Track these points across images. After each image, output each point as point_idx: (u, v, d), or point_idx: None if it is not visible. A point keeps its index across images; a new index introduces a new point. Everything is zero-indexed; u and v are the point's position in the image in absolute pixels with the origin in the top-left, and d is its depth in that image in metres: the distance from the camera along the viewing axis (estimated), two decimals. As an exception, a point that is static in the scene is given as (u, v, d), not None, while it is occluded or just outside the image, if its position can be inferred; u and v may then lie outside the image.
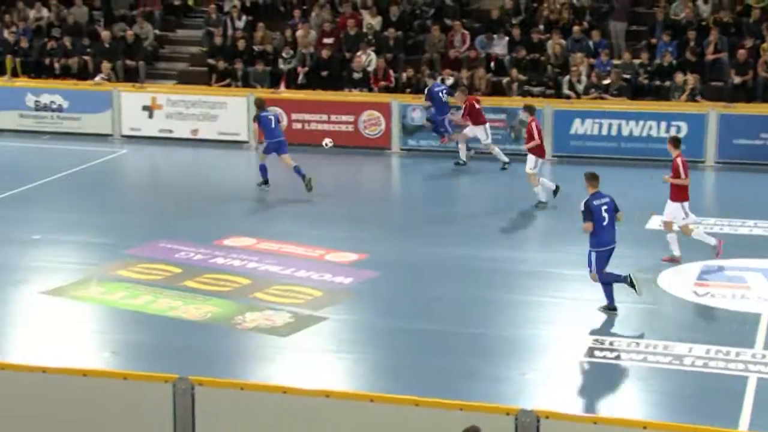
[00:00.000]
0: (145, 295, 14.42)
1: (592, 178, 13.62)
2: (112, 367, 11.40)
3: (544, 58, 24.86)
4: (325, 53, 25.68)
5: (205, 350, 12.74)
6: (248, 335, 13.24)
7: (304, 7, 27.78)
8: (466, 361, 12.29)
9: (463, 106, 21.58)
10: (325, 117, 23.77)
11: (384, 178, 22.10)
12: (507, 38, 25.51)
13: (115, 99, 24.21)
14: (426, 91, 22.59)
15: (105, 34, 26.86)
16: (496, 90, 24.51)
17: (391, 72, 25.11)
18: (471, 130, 21.71)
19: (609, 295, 13.62)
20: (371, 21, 26.64)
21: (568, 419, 8.54)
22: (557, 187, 18.74)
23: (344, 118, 23.60)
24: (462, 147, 21.95)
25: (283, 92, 24.78)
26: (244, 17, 27.41)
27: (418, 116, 23.26)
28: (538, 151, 18.80)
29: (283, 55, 26.05)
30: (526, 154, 18.94)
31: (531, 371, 12.14)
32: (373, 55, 25.44)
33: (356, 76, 25.04)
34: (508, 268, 15.10)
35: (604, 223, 13.34)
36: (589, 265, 13.50)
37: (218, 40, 26.60)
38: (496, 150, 21.61)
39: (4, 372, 9.42)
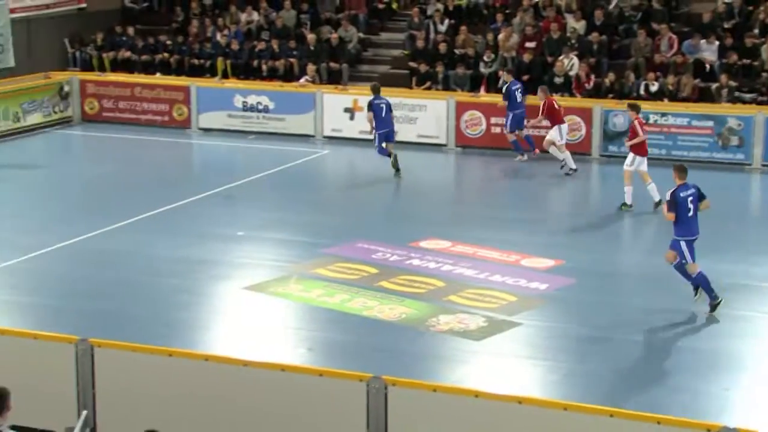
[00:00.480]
0: (342, 294, 14.64)
1: (681, 170, 14.03)
2: (309, 364, 11.61)
3: (757, 63, 23.93)
4: (526, 57, 25.50)
5: (399, 351, 12.82)
6: (441, 338, 13.25)
7: (507, 11, 27.66)
8: (662, 373, 11.94)
9: (542, 104, 21.64)
10: (525, 122, 23.52)
11: (583, 184, 21.72)
12: (717, 43, 24.69)
13: (318, 100, 24.71)
14: (504, 90, 22.64)
15: (311, 37, 27.50)
16: (704, 96, 23.76)
17: (592, 76, 24.70)
18: (553, 133, 21.65)
19: (708, 289, 13.76)
20: (575, 25, 26.27)
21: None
22: (660, 201, 17.96)
23: (544, 122, 23.31)
24: (565, 155, 21.60)
25: (483, 96, 24.72)
26: (446, 21, 27.52)
27: (620, 122, 22.78)
28: (640, 150, 18.75)
29: (485, 58, 26.00)
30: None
31: (733, 387, 11.69)
32: (575, 60, 25.09)
33: (557, 80, 24.74)
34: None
35: (689, 214, 13.74)
36: (682, 257, 13.73)
37: (420, 44, 26.80)
38: (567, 153, 21.56)
39: (208, 363, 9.74)
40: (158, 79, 26.99)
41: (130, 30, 29.40)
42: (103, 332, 11.34)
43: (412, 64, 26.42)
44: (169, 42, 28.74)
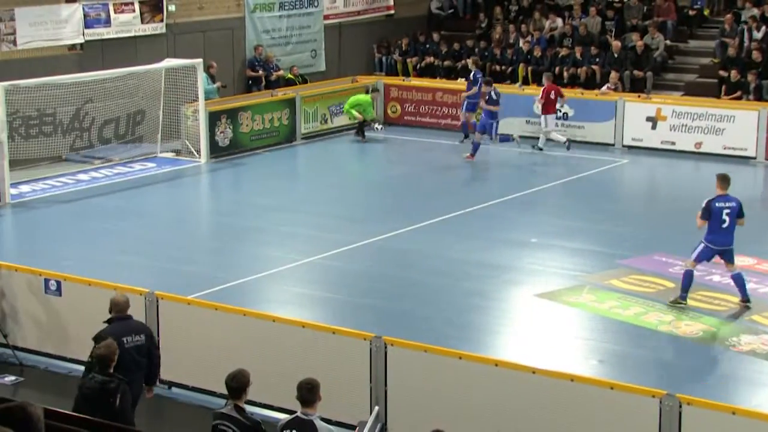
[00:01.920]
0: (636, 307, 14.24)
1: (723, 180, 14.02)
2: (599, 375, 11.35)
3: None
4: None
5: (695, 368, 12.32)
6: (742, 358, 12.62)
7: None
8: None
9: (542, 90, 23.74)
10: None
11: None
12: None
13: (620, 109, 24.21)
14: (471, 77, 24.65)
15: (615, 44, 26.99)
16: None
17: None
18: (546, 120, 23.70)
19: (684, 288, 13.93)
20: None
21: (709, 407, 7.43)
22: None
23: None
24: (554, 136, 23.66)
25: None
26: (763, 28, 26.24)
27: None
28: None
29: None
30: None
31: None
32: None
33: None
34: None
35: (724, 225, 13.79)
36: (693, 251, 13.95)
37: (732, 51, 25.71)
38: (554, 135, 23.64)
39: (498, 368, 9.72)
40: (459, 84, 27.36)
41: (435, 36, 29.98)
42: (397, 331, 11.57)
43: (722, 72, 25.38)
44: (473, 47, 29.07)
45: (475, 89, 24.41)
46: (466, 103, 24.80)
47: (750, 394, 11.78)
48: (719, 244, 13.92)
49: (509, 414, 9.49)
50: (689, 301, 14.17)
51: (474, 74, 24.75)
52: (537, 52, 27.83)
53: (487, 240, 17.30)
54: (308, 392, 8.12)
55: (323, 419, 8.32)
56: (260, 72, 26.84)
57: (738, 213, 13.91)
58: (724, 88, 25.03)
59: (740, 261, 15.82)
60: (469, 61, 25.83)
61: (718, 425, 8.57)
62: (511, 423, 9.49)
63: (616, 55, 26.80)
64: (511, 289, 15.32)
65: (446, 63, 29.08)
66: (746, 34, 26.33)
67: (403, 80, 27.97)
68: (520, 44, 28.44)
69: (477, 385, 9.71)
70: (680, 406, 8.60)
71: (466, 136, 24.74)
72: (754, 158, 22.68)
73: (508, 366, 9.78)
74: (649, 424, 8.74)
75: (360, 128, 25.33)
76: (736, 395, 11.55)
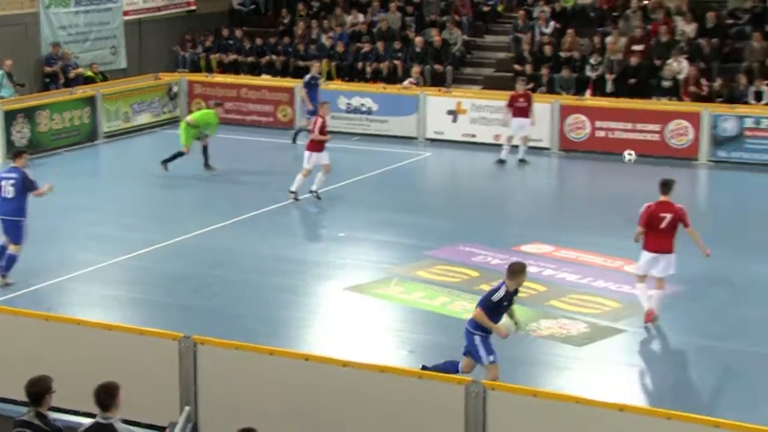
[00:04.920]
0: (442, 297, 14.60)
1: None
2: (410, 366, 11.59)
3: None
4: (633, 60, 25.13)
5: (499, 355, 12.72)
6: (542, 343, 13.13)
7: (615, 14, 27.31)
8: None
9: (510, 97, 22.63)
10: (630, 126, 23.24)
11: (690, 190, 21.31)
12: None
13: (422, 103, 24.72)
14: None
15: (418, 40, 27.51)
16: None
17: (704, 81, 24.21)
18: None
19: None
20: (685, 28, 25.80)
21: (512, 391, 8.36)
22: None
23: (650, 127, 22.98)
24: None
25: (588, 99, 24.46)
26: (552, 23, 27.28)
27: (730, 126, 22.32)
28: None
29: (591, 61, 25.71)
30: None
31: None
32: (684, 63, 24.63)
33: (665, 84, 24.33)
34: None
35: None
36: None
37: (525, 46, 26.62)
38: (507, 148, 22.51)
39: (309, 363, 9.80)
40: (264, 80, 27.33)
41: (238, 32, 29.83)
42: (207, 329, 11.51)
43: (517, 66, 26.25)
44: (276, 44, 29.07)
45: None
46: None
47: (550, 377, 12.27)
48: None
49: (320, 408, 9.59)
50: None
51: (310, 78, 24.07)
52: (340, 48, 28.08)
53: (295, 236, 17.38)
54: (106, 396, 8.09)
55: (126, 421, 8.23)
56: (57, 69, 26.07)
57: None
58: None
59: (539, 248, 16.47)
60: (314, 65, 25.19)
61: (521, 408, 8.90)
62: (323, 416, 9.59)
63: (418, 50, 27.33)
64: (320, 284, 15.44)
65: (250, 59, 28.98)
66: (537, 30, 27.32)
67: (207, 77, 27.73)
68: (323, 40, 28.63)
69: (288, 382, 9.76)
70: (485, 392, 8.88)
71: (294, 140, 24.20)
72: (550, 149, 23.58)
73: (318, 360, 9.87)
74: (456, 410, 8.99)
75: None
76: (538, 378, 12.01)
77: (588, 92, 25.07)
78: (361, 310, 14.27)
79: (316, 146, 19.25)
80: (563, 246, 16.67)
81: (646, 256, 13.47)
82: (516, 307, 11.52)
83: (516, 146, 22.64)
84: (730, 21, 26.17)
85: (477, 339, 11.09)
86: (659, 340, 13.24)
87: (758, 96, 23.53)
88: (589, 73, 25.63)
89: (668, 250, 13.31)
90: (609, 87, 25.10)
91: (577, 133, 23.58)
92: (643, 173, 21.83)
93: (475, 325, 11.11)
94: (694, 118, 22.68)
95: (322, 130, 19.29)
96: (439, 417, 9.15)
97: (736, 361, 12.48)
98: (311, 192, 19.34)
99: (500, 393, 8.93)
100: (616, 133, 23.34)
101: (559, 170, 23.32)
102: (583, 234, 17.54)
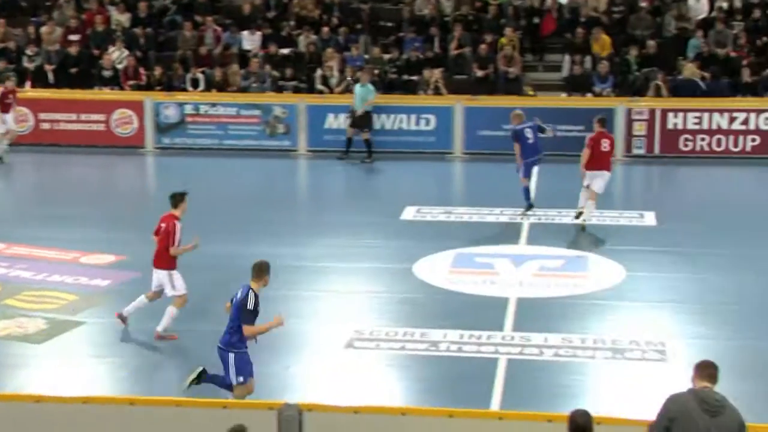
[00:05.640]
0: None
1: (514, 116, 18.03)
2: None
3: (297, 53, 25.14)
4: (73, 50, 24.97)
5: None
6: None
7: (48, 3, 26.91)
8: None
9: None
10: (74, 116, 23.15)
11: (139, 177, 21.73)
12: (259, 33, 25.60)
13: None
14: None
15: None
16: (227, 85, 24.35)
17: (142, 70, 24.70)
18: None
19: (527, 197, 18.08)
20: (120, 17, 26.10)
21: (330, 410, 8.70)
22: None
23: (95, 116, 23.07)
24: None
25: (29, 91, 23.95)
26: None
27: (172, 114, 23.04)
28: None
29: (27, 52, 25.14)
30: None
31: (294, 365, 12.26)
32: (125, 52, 24.94)
33: (106, 73, 24.49)
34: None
35: (529, 142, 17.81)
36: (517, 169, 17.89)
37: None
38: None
39: None
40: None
41: None
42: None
43: None
44: None
45: None
46: None
47: (9, 378, 11.86)
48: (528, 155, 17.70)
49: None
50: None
51: None
52: None
53: None
54: None
55: None
56: None
57: (539, 129, 17.97)
58: None
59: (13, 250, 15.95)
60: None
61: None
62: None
63: None
64: None
65: None
66: None
67: None
68: None
69: None
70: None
71: None
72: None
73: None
74: None
75: None
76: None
77: (28, 84, 24.50)
78: None
79: None
80: (15, 242, 16.26)
81: None
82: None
83: None
84: (162, 10, 26.85)
85: (231, 357, 10.26)
86: (119, 328, 13.34)
87: (195, 83, 24.46)
88: (27, 64, 25.05)
89: None
90: (50, 78, 24.72)
91: (21, 126, 22.97)
92: (92, 163, 21.91)
93: (229, 342, 10.26)
94: (137, 107, 23.12)
95: None
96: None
97: (194, 343, 12.97)
98: None
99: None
100: (62, 124, 23.13)
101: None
102: (36, 228, 17.23)
